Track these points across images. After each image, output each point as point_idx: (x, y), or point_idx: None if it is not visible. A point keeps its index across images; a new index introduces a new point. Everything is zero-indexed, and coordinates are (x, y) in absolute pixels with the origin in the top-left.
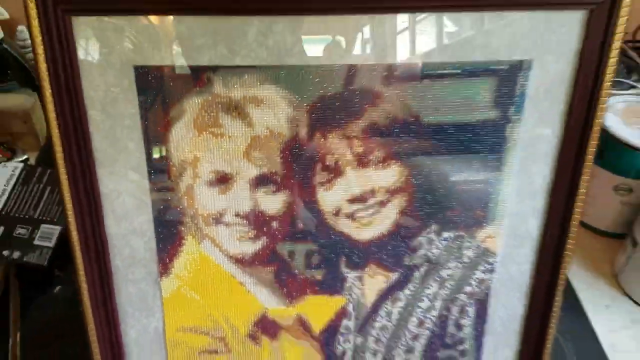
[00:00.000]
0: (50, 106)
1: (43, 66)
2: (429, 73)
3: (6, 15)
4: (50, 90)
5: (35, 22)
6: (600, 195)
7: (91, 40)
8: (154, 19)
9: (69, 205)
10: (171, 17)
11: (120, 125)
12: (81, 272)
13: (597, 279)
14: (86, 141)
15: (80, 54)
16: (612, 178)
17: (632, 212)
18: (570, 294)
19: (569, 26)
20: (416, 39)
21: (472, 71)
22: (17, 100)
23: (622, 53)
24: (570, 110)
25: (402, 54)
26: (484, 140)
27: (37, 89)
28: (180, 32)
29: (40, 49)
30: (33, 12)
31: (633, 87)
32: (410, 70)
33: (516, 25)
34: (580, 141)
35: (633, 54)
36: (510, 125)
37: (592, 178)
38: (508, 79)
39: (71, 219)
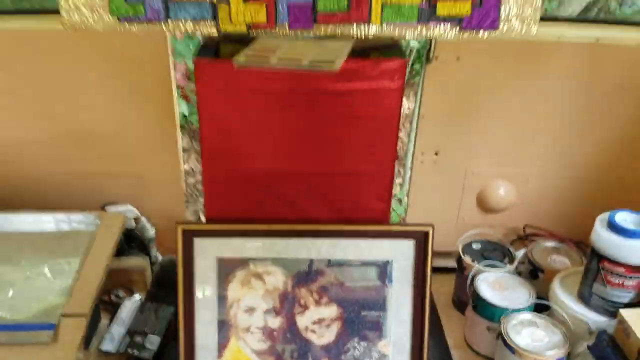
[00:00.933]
0: (180, 278)
1: (180, 257)
2: (346, 263)
3: (138, 214)
4: (182, 269)
5: (180, 241)
6: (479, 332)
7: (199, 247)
8: (226, 239)
9: (181, 320)
10: (232, 239)
11: (204, 284)
12: (181, 354)
13: None
14: (191, 293)
15: (194, 252)
16: (484, 322)
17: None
18: None
19: (408, 246)
20: (339, 250)
21: (366, 263)
22: (136, 262)
23: (501, 245)
24: (415, 282)
25: (332, 255)
26: (376, 296)
27: (149, 255)
28: (234, 244)
29: (180, 251)
30: (180, 236)
31: (502, 267)
32: (336, 262)
33: (384, 245)
34: (421, 295)
35: (507, 244)
36: (386, 288)
37: (473, 322)
38: (383, 268)
39: (181, 327)
